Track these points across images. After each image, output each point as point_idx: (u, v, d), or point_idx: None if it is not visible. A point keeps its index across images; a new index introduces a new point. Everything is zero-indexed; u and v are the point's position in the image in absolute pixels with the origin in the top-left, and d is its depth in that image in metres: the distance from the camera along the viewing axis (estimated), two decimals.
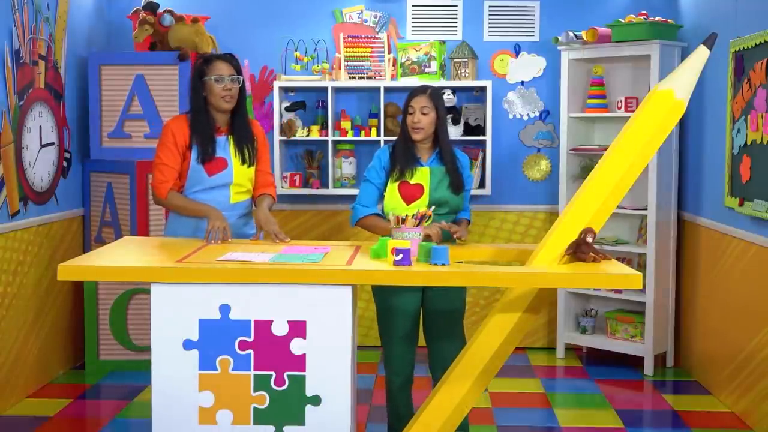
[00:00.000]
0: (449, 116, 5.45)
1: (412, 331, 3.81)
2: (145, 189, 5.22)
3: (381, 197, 3.83)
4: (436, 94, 3.80)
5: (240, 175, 3.92)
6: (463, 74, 5.69)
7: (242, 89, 3.92)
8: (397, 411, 3.86)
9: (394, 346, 3.79)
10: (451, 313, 3.78)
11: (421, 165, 3.79)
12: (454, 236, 3.64)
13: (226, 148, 3.90)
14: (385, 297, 3.78)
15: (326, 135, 5.72)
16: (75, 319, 5.39)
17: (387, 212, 3.75)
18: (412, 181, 3.76)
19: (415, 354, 3.85)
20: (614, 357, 5.67)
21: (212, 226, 3.66)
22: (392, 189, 3.78)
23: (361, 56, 5.71)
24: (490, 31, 5.89)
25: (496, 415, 4.58)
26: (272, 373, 3.02)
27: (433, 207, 3.67)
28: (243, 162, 3.93)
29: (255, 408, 3.03)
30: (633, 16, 5.37)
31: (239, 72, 3.91)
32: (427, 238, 3.51)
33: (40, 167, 4.90)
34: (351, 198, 5.87)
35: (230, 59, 3.92)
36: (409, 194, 3.76)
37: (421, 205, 3.71)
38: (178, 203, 3.86)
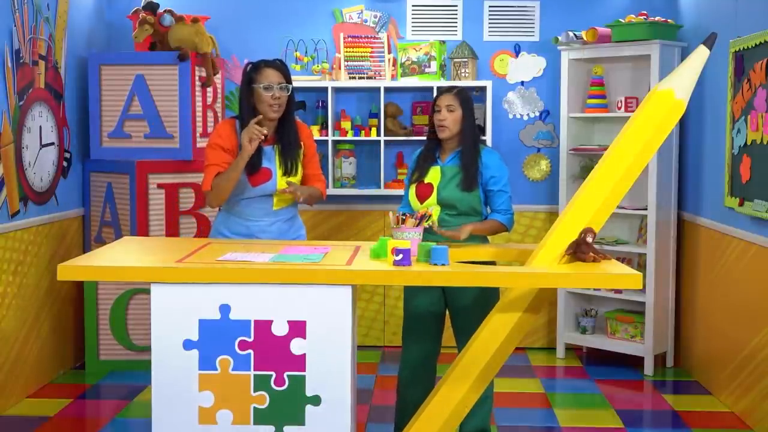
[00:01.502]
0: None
1: (424, 331, 3.87)
2: (145, 189, 5.22)
3: None
4: (462, 94, 3.84)
5: (283, 185, 3.86)
6: (463, 74, 5.69)
7: (291, 96, 3.87)
8: (404, 407, 3.88)
9: (404, 342, 3.92)
10: (473, 312, 3.77)
11: (436, 164, 3.85)
12: (450, 237, 3.65)
13: (271, 158, 3.85)
14: (406, 295, 3.93)
15: (326, 135, 5.72)
16: (75, 319, 5.39)
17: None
18: (425, 181, 3.82)
19: (429, 355, 3.88)
20: (614, 357, 5.67)
21: (246, 132, 3.66)
22: (412, 189, 3.88)
23: (361, 56, 5.71)
24: (490, 31, 5.89)
25: (496, 415, 4.58)
26: (272, 373, 3.02)
27: (432, 207, 3.69)
28: (286, 173, 3.86)
29: (255, 408, 3.03)
30: (633, 16, 5.37)
31: (288, 79, 3.86)
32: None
33: (40, 167, 4.90)
34: (351, 198, 5.89)
35: (280, 66, 3.86)
36: (421, 193, 3.83)
37: (430, 204, 3.78)
38: (221, 180, 3.77)
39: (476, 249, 3.64)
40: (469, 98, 3.85)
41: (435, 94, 5.60)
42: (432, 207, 3.72)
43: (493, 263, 3.71)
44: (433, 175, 3.82)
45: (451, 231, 3.61)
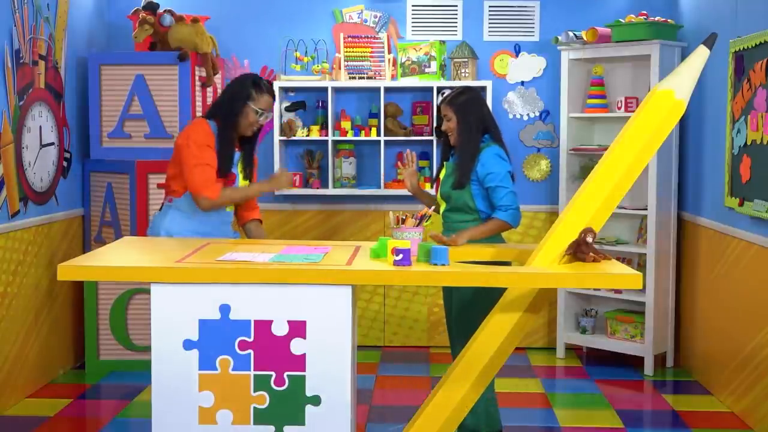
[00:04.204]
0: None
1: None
2: (145, 189, 5.22)
3: None
4: (455, 100, 3.92)
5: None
6: (463, 74, 5.69)
7: None
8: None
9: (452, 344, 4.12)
10: (454, 312, 3.94)
11: (448, 162, 4.05)
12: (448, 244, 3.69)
13: (236, 164, 4.02)
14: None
15: (326, 135, 5.72)
16: (75, 319, 5.39)
17: None
18: (440, 177, 4.07)
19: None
20: (614, 357, 5.67)
21: (283, 180, 4.04)
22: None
23: (361, 56, 5.71)
24: (490, 31, 5.89)
25: None
26: (272, 373, 3.02)
27: (433, 207, 3.72)
28: (245, 178, 4.09)
29: (255, 408, 3.03)
30: (633, 16, 5.37)
31: (273, 109, 4.09)
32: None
33: (40, 167, 4.90)
34: (351, 198, 5.89)
35: (274, 93, 4.05)
36: (437, 189, 4.11)
37: (438, 197, 4.02)
38: (236, 195, 4.01)
39: (476, 249, 3.65)
40: (462, 102, 3.91)
41: (435, 94, 5.62)
42: (433, 207, 3.76)
43: (508, 263, 3.74)
44: (442, 173, 4.04)
45: (448, 239, 3.65)
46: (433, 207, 3.74)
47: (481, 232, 3.76)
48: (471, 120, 3.89)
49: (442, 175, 4.02)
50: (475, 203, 3.85)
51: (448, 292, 4.02)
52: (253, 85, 3.95)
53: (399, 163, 4.09)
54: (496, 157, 3.86)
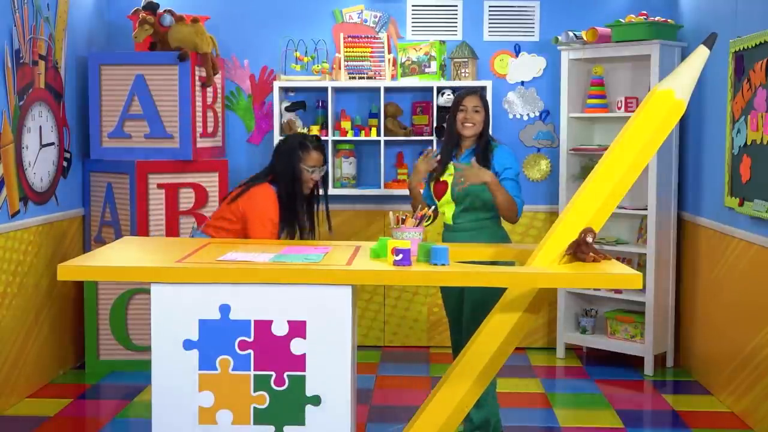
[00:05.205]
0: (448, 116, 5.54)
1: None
2: (145, 189, 5.22)
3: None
4: (484, 96, 4.06)
5: None
6: (463, 74, 5.69)
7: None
8: None
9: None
10: (466, 313, 3.96)
11: (452, 162, 3.99)
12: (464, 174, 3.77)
13: None
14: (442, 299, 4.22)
15: (326, 135, 5.72)
16: (75, 319, 5.39)
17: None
18: (442, 179, 3.98)
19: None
20: (614, 357, 5.67)
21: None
22: (431, 188, 4.05)
23: (361, 56, 5.71)
24: (490, 31, 5.89)
25: None
26: (272, 373, 3.02)
27: (433, 207, 3.72)
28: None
29: (255, 408, 3.03)
30: (633, 16, 5.37)
31: (326, 159, 4.14)
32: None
33: (40, 167, 4.90)
34: (351, 198, 5.88)
35: (323, 148, 4.12)
36: (438, 191, 4.00)
37: (446, 200, 3.94)
38: None
39: (476, 249, 3.65)
40: (486, 100, 4.04)
41: (435, 94, 5.62)
42: (432, 207, 3.76)
43: (511, 264, 3.74)
44: (448, 174, 3.96)
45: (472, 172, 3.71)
46: (432, 207, 3.75)
47: (502, 192, 3.77)
48: (489, 116, 4.02)
49: (449, 178, 3.93)
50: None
51: (457, 293, 4.00)
52: (300, 146, 4.06)
53: (420, 157, 4.04)
54: (512, 155, 3.98)
